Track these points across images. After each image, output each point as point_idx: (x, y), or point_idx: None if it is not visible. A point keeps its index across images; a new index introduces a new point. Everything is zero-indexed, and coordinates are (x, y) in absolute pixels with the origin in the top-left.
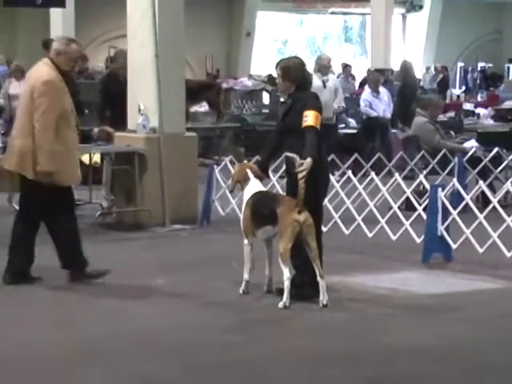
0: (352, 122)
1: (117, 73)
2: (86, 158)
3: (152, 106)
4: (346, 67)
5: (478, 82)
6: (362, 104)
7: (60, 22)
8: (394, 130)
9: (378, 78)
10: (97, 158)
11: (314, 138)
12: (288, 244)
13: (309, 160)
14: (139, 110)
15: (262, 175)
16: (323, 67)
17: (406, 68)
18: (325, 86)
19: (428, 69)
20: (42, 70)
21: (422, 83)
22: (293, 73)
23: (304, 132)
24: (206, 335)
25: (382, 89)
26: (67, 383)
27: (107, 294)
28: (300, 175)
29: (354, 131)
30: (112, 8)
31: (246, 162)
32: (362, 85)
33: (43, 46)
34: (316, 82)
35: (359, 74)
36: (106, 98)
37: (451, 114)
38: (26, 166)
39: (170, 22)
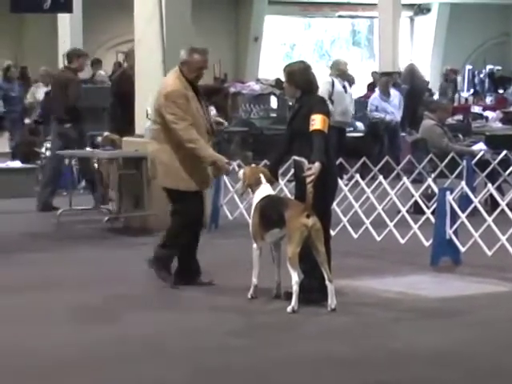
0: (360, 125)
1: (129, 73)
2: None
3: None
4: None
5: (487, 84)
6: (369, 107)
7: (68, 27)
8: (403, 134)
9: (387, 81)
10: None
11: (321, 141)
12: (296, 248)
13: (317, 164)
14: (147, 115)
15: (273, 179)
16: (342, 72)
17: (413, 71)
18: (346, 91)
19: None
20: (167, 82)
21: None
22: (298, 77)
23: (312, 136)
24: (214, 339)
25: (393, 92)
26: None
27: (116, 299)
28: (308, 179)
29: (361, 135)
30: (120, 13)
31: (254, 165)
32: (369, 88)
33: (66, 58)
34: (337, 86)
35: (368, 77)
36: (117, 98)
37: (459, 116)
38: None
39: (177, 27)
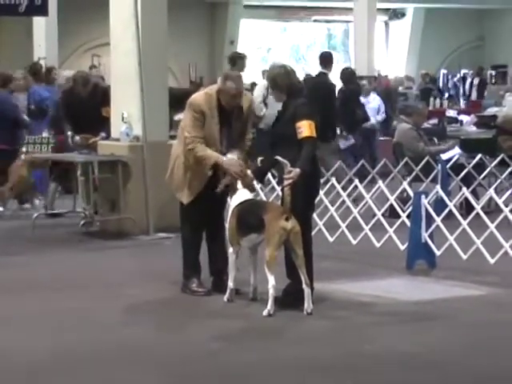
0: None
1: (78, 90)
2: None
3: (135, 115)
4: None
5: (461, 89)
6: None
7: (43, 30)
8: (383, 138)
9: (367, 83)
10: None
11: (310, 149)
12: (274, 252)
13: (297, 170)
14: (122, 119)
15: (253, 185)
16: None
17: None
18: None
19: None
20: (200, 92)
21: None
22: (280, 82)
23: (302, 144)
24: (190, 343)
25: (373, 95)
26: None
27: (91, 303)
28: (286, 182)
29: None
30: (96, 16)
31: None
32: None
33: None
34: None
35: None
36: (67, 109)
37: (434, 120)
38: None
39: (153, 30)
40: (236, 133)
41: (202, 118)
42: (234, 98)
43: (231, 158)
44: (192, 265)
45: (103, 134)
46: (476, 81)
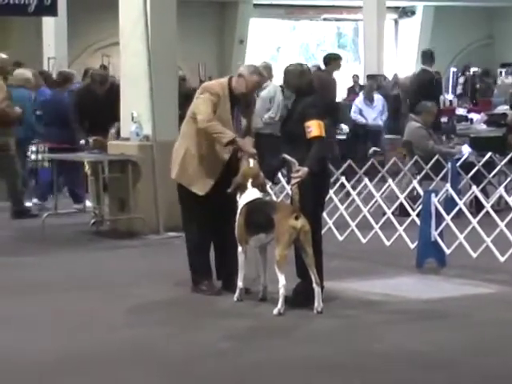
0: (345, 128)
1: (93, 88)
2: None
3: (145, 114)
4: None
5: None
6: (352, 110)
7: (52, 30)
8: (388, 136)
9: (370, 85)
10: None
11: (318, 148)
12: (284, 251)
13: (305, 169)
14: (132, 118)
15: (264, 186)
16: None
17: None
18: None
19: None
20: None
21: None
22: (291, 79)
23: (311, 143)
24: (200, 343)
25: (376, 96)
26: None
27: (101, 302)
28: (293, 181)
29: (344, 137)
30: (105, 16)
31: (253, 165)
32: (350, 91)
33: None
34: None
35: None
36: (81, 109)
37: (444, 119)
38: None
39: (162, 30)
40: (245, 128)
41: (217, 100)
42: (253, 90)
43: (245, 141)
44: (201, 269)
45: (112, 131)
46: (461, 79)
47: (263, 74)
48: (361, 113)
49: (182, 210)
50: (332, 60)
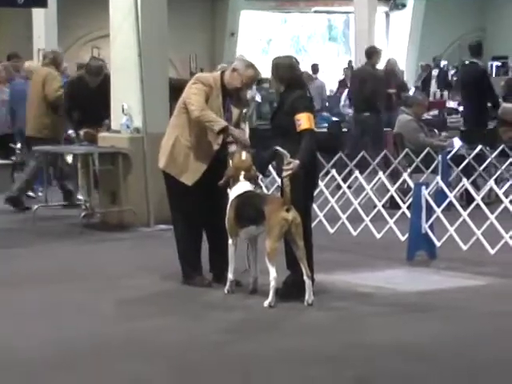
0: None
1: (86, 79)
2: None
3: (135, 106)
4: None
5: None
6: (342, 102)
7: (42, 21)
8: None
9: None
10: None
11: (309, 141)
12: (275, 243)
13: (297, 161)
14: (123, 110)
15: (256, 179)
16: None
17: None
18: None
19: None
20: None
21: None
22: (281, 72)
23: (300, 136)
24: (191, 335)
25: None
26: None
27: (92, 295)
28: (285, 173)
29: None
30: (95, 8)
31: (245, 157)
32: (340, 84)
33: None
34: None
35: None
36: (73, 100)
37: (435, 112)
38: None
39: (153, 21)
40: (235, 120)
41: (209, 91)
42: (247, 85)
43: (237, 130)
44: (190, 261)
45: (107, 121)
46: (435, 72)
47: (257, 71)
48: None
49: (169, 201)
50: (374, 53)
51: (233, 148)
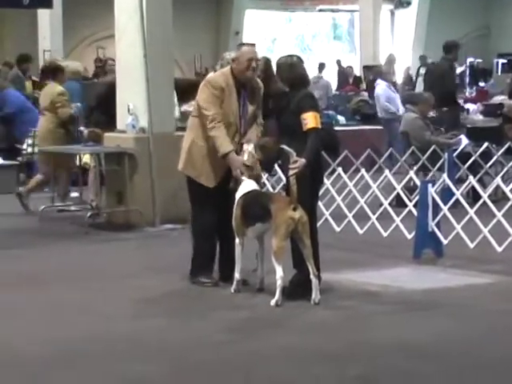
0: (342, 119)
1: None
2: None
3: (141, 106)
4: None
5: (467, 77)
6: (382, 99)
7: (48, 22)
8: None
9: (389, 69)
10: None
11: (315, 140)
12: (282, 242)
13: (303, 160)
14: (128, 110)
15: (259, 179)
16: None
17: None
18: None
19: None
20: (213, 73)
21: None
22: (283, 72)
23: (307, 135)
24: (197, 334)
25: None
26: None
27: (98, 294)
28: (291, 172)
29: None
30: (100, 8)
31: (247, 158)
32: (354, 82)
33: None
34: None
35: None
36: (101, 104)
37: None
38: None
39: (158, 21)
40: (251, 114)
41: (221, 94)
42: (251, 61)
43: (236, 159)
44: (206, 259)
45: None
46: (423, 70)
47: (252, 44)
48: (389, 101)
49: (191, 201)
50: (453, 47)
51: (245, 147)
